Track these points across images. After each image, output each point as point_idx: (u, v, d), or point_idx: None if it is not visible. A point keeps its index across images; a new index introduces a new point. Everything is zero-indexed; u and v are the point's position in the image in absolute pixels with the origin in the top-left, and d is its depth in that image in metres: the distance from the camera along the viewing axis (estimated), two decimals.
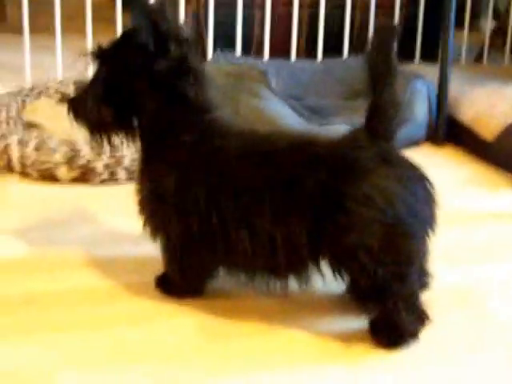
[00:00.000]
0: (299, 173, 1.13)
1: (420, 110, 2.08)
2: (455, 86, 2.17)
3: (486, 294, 1.34)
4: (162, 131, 1.19)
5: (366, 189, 1.10)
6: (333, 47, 2.50)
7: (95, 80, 1.21)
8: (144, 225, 1.24)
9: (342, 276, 1.17)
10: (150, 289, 1.30)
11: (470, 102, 2.12)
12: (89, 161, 1.74)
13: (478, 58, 2.86)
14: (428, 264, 1.25)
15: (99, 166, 1.74)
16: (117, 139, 1.24)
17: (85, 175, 1.74)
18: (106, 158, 1.74)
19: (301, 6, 2.45)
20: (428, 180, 1.16)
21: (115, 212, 1.61)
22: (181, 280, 1.26)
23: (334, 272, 1.16)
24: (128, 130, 1.23)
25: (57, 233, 1.52)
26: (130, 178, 1.75)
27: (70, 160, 1.74)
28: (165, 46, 1.15)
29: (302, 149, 1.16)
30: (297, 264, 1.17)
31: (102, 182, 1.76)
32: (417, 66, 2.52)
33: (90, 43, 2.24)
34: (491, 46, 2.85)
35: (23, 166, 1.76)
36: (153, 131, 1.20)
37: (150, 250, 1.30)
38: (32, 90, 2.12)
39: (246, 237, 1.14)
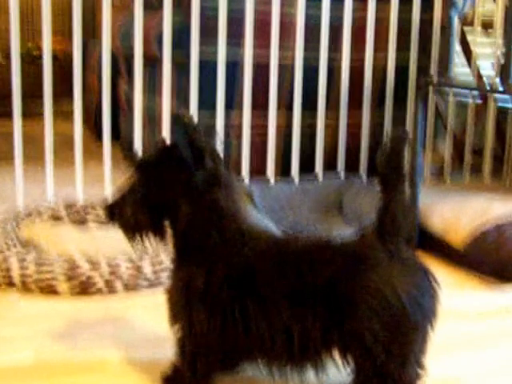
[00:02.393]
0: (314, 270, 1.25)
1: None
2: (422, 199, 2.34)
3: None
4: (194, 235, 1.30)
5: (374, 281, 1.22)
6: (305, 166, 2.69)
7: (134, 188, 1.32)
8: (172, 316, 1.33)
9: (348, 362, 1.26)
10: None
11: (438, 214, 2.28)
12: (87, 273, 1.83)
13: (439, 176, 3.06)
14: (424, 357, 1.29)
15: (96, 275, 1.84)
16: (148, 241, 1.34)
17: (83, 287, 1.84)
18: (103, 268, 1.84)
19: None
20: (432, 275, 1.27)
21: (117, 321, 1.70)
22: (191, 374, 1.34)
23: (341, 357, 1.26)
24: (160, 233, 1.34)
25: (61, 342, 1.59)
26: (126, 288, 1.85)
27: (69, 273, 1.83)
28: (201, 160, 1.27)
29: (317, 250, 1.29)
30: (311, 353, 1.26)
31: (100, 292, 1.84)
32: None
33: (79, 173, 2.38)
34: (450, 164, 3.07)
35: (24, 281, 1.85)
36: (186, 234, 1.31)
37: (155, 355, 1.40)
38: (25, 211, 2.23)
39: (265, 328, 1.25)
